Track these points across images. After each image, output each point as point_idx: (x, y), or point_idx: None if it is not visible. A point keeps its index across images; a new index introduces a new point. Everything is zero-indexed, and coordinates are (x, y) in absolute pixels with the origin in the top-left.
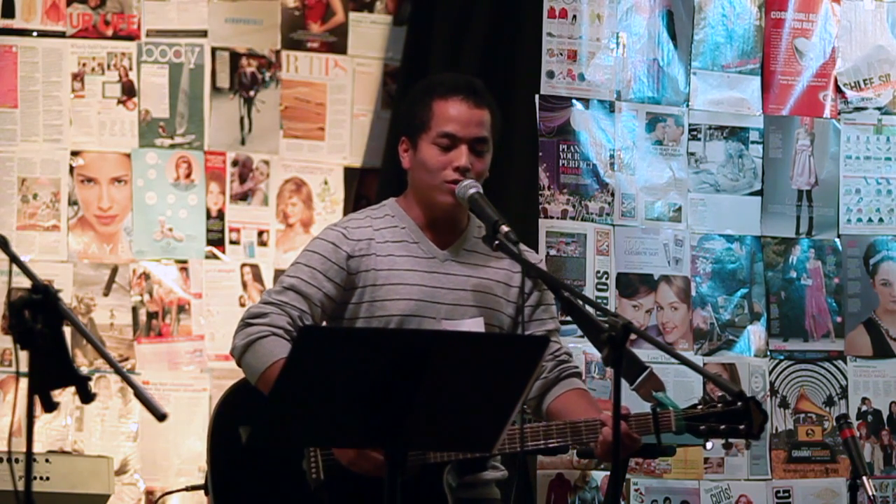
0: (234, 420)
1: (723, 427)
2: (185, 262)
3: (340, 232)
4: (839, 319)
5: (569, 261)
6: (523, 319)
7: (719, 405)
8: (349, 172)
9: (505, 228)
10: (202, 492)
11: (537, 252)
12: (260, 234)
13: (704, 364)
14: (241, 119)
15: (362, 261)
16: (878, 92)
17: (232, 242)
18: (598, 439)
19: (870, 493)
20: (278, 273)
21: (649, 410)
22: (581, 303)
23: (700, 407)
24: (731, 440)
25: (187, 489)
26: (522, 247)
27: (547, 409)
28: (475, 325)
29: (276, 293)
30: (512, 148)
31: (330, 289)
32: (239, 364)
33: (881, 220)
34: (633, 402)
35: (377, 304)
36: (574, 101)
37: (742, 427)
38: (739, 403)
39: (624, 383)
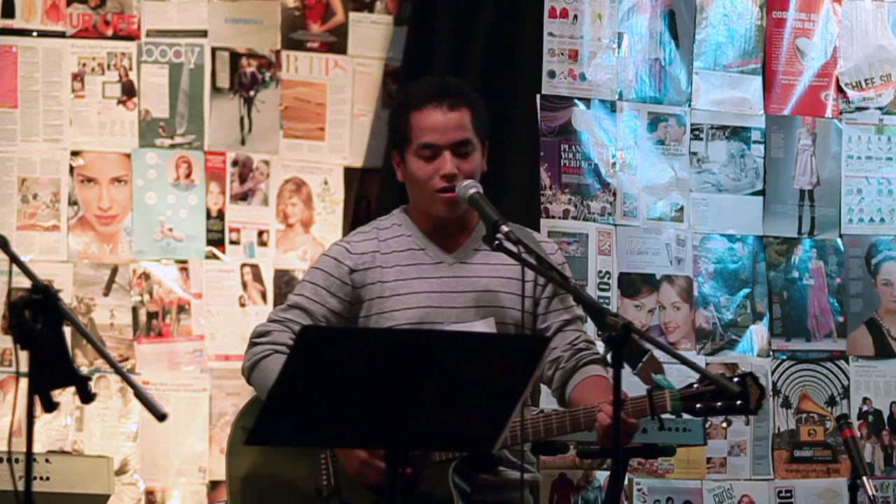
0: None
1: (719, 404)
2: (185, 262)
3: (343, 247)
4: (841, 319)
5: (571, 261)
6: (523, 318)
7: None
8: (349, 172)
9: (505, 228)
10: (203, 491)
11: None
12: (260, 234)
13: (707, 364)
14: (241, 119)
15: (367, 274)
16: (880, 92)
17: (232, 242)
18: (595, 425)
19: (870, 494)
20: (278, 273)
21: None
22: (585, 296)
23: (696, 385)
24: (728, 417)
25: None
26: (538, 237)
27: (569, 398)
28: (486, 326)
29: (280, 311)
30: (513, 148)
31: (334, 304)
32: (249, 384)
33: (882, 220)
34: (634, 388)
35: (385, 314)
36: (575, 100)
37: (739, 403)
38: (736, 379)
39: (627, 369)
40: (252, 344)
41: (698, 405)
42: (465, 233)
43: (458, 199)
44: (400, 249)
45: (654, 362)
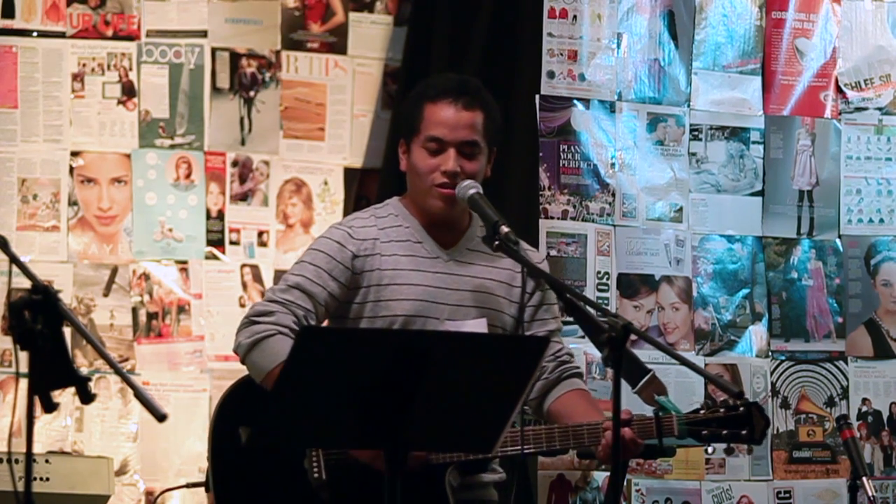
0: (235, 418)
1: (725, 432)
2: (184, 262)
3: (346, 231)
4: (840, 320)
5: (569, 261)
6: (523, 320)
7: (721, 410)
8: (349, 173)
9: (505, 229)
10: (202, 489)
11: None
12: (260, 234)
13: (706, 365)
14: (241, 119)
15: (367, 260)
16: (879, 92)
17: (232, 243)
18: (600, 443)
19: (869, 494)
20: (278, 273)
21: (651, 414)
22: (581, 304)
23: (702, 412)
24: (732, 445)
25: (188, 486)
26: (524, 246)
27: (548, 409)
28: (478, 325)
29: (280, 291)
30: (512, 148)
31: (335, 288)
32: (243, 362)
33: (882, 220)
34: (634, 404)
35: (381, 304)
36: (575, 101)
37: (744, 432)
38: (742, 409)
39: (625, 385)
40: (251, 322)
41: (704, 431)
42: (458, 232)
43: (455, 197)
44: (398, 239)
45: (657, 383)
